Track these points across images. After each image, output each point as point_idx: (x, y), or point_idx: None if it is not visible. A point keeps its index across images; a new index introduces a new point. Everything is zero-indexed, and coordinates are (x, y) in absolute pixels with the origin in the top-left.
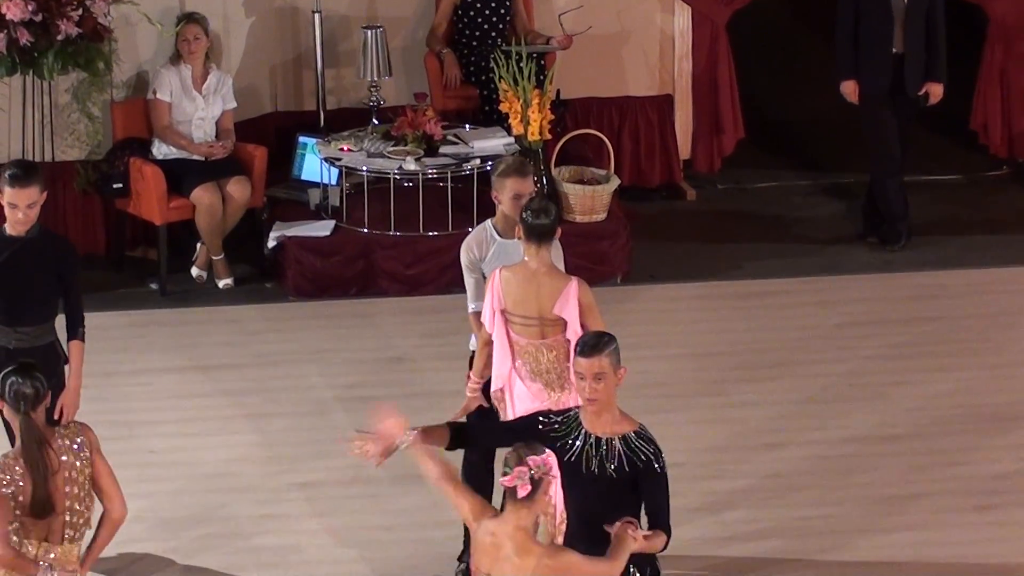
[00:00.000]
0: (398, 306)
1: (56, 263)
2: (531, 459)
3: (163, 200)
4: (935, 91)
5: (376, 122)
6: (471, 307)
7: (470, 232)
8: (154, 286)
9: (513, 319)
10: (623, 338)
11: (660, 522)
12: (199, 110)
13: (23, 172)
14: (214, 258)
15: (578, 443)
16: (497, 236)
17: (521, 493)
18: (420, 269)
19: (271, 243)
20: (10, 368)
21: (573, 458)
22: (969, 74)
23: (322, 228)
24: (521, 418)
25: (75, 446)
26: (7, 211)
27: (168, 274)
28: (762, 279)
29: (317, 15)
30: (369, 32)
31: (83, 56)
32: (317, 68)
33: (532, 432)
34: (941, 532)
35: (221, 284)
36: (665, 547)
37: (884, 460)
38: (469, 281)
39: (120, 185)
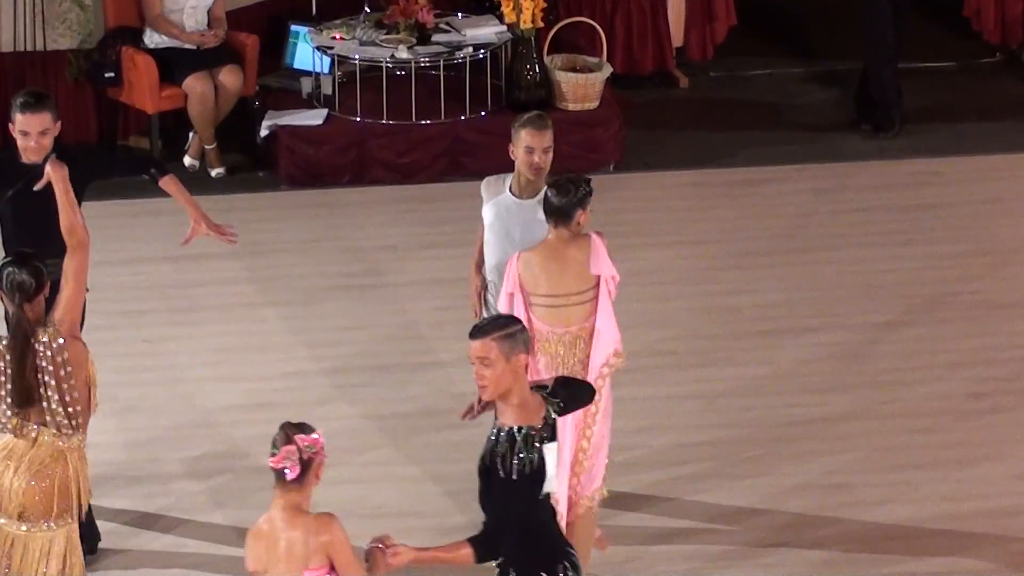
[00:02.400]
0: (391, 195)
1: (78, 180)
2: (299, 438)
3: (155, 89)
4: None
5: (368, 10)
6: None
7: (462, 119)
8: (147, 176)
9: (536, 302)
10: (616, 226)
11: (481, 534)
12: None
13: (35, 99)
14: (206, 147)
15: (492, 440)
16: (508, 192)
17: (290, 476)
18: (413, 157)
19: (263, 132)
20: (8, 258)
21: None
22: None
23: (314, 117)
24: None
25: (55, 344)
26: (19, 140)
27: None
28: (755, 167)
29: None
30: None
31: None
32: None
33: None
34: (933, 419)
35: (214, 173)
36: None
37: (877, 348)
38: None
39: (112, 74)
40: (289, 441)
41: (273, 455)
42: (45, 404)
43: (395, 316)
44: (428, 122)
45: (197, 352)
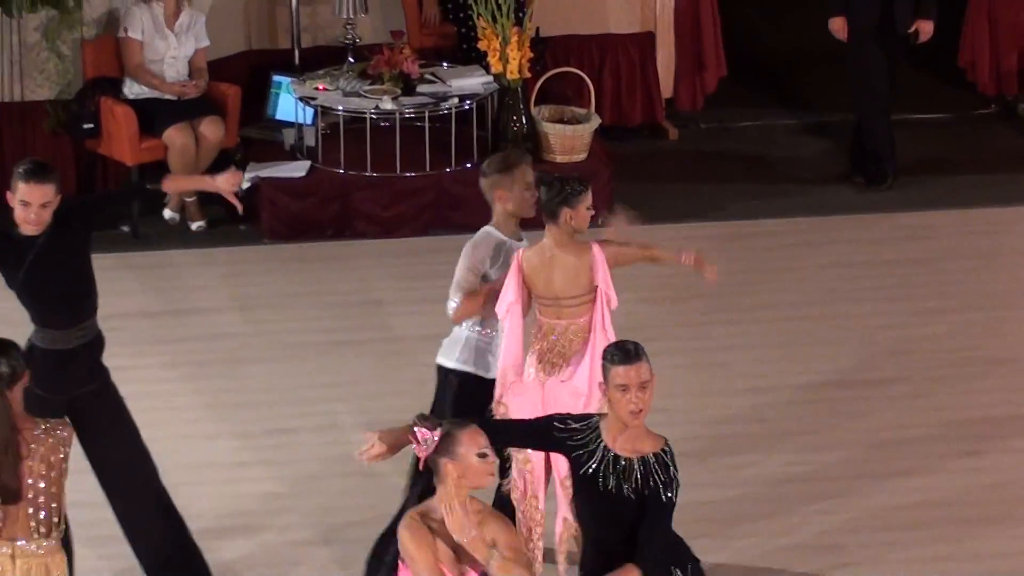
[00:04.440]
0: (375, 248)
1: (83, 232)
2: (420, 431)
3: (135, 141)
4: (925, 28)
5: (352, 60)
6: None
7: (448, 171)
8: (126, 228)
9: (536, 297)
10: None
11: (643, 555)
12: (171, 48)
13: (39, 168)
14: (187, 200)
15: (596, 456)
16: (505, 237)
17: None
18: (397, 210)
19: (245, 184)
20: None
21: (589, 472)
22: (957, 10)
23: (297, 169)
24: (537, 419)
25: (51, 439)
26: (19, 209)
27: (140, 216)
28: (746, 220)
29: None
30: None
31: None
32: (292, 5)
33: (548, 436)
34: (929, 479)
35: (194, 226)
36: None
37: (870, 404)
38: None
39: (91, 125)
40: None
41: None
42: (29, 503)
43: (381, 373)
44: (413, 174)
45: (177, 409)
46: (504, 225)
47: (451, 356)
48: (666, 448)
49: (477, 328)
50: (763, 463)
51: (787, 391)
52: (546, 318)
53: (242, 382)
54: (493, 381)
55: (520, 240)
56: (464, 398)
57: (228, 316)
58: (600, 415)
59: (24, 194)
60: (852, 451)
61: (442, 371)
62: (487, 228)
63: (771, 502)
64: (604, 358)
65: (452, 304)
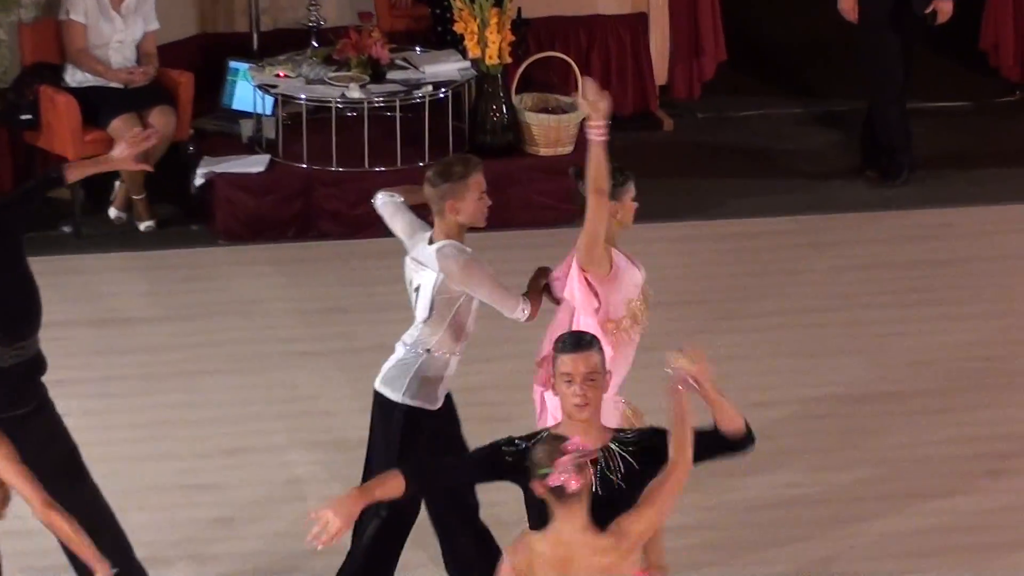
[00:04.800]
0: (340, 250)
1: (14, 243)
2: (567, 446)
3: (77, 133)
4: (944, 8)
5: (316, 45)
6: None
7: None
8: (67, 229)
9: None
10: None
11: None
12: (117, 32)
13: None
14: (134, 198)
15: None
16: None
17: (573, 487)
18: (366, 209)
19: (198, 180)
20: None
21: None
22: None
23: (255, 163)
24: (479, 449)
25: None
26: None
27: (83, 216)
28: (747, 218)
29: None
30: None
31: None
32: None
33: (498, 465)
34: (947, 501)
35: (142, 227)
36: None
37: (883, 420)
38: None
39: (29, 116)
40: (559, 452)
41: (545, 475)
42: None
43: (346, 386)
44: (382, 169)
45: (124, 427)
46: (455, 238)
47: (397, 388)
48: (621, 431)
49: (426, 350)
50: (769, 484)
51: (795, 405)
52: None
53: (193, 397)
54: (439, 411)
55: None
56: (410, 433)
57: (178, 325)
58: (551, 428)
59: None
60: (865, 471)
61: (387, 402)
62: (452, 242)
63: (778, 526)
64: (554, 347)
65: (520, 313)
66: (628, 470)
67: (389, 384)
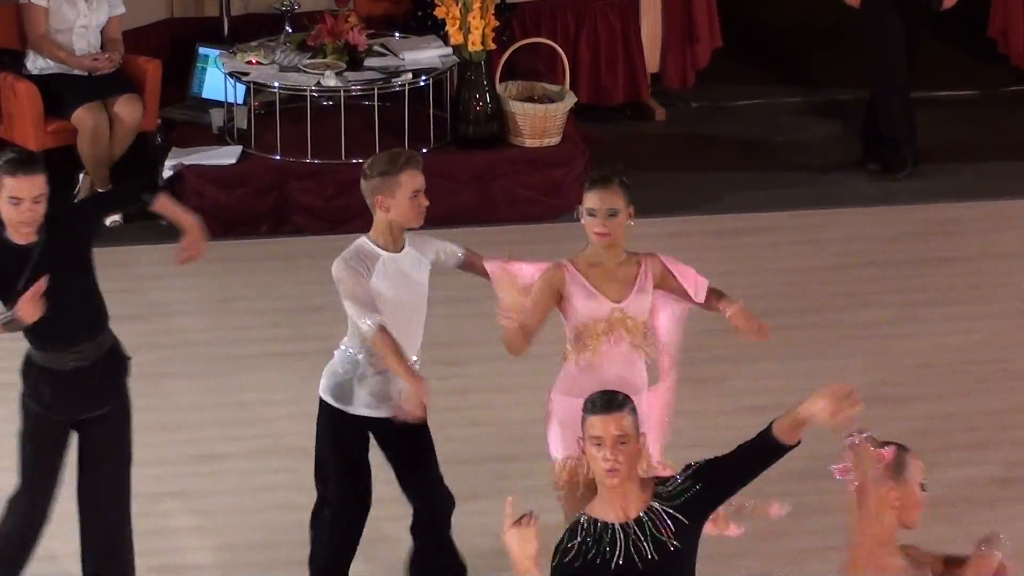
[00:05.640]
0: (316, 247)
1: (83, 246)
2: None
3: (39, 123)
4: None
5: (290, 30)
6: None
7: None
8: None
9: None
10: None
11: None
12: (81, 16)
13: (26, 157)
14: (99, 191)
15: (619, 542)
16: (380, 249)
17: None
18: (342, 202)
19: (167, 173)
20: None
21: (622, 560)
22: None
23: (226, 155)
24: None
25: None
26: (8, 210)
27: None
28: (744, 213)
29: None
30: None
31: None
32: None
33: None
34: (954, 509)
35: (108, 222)
36: None
37: (887, 426)
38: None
39: None
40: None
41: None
42: None
43: None
44: (360, 161)
45: None
46: (383, 235)
47: (323, 381)
48: (660, 484)
49: (341, 346)
50: (764, 492)
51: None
52: None
53: (163, 400)
54: (357, 417)
55: (400, 251)
56: (326, 429)
57: (146, 325)
58: (585, 510)
59: (14, 189)
60: None
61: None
62: (357, 245)
63: (773, 538)
64: (584, 407)
65: (366, 327)
66: (678, 528)
67: (323, 375)
